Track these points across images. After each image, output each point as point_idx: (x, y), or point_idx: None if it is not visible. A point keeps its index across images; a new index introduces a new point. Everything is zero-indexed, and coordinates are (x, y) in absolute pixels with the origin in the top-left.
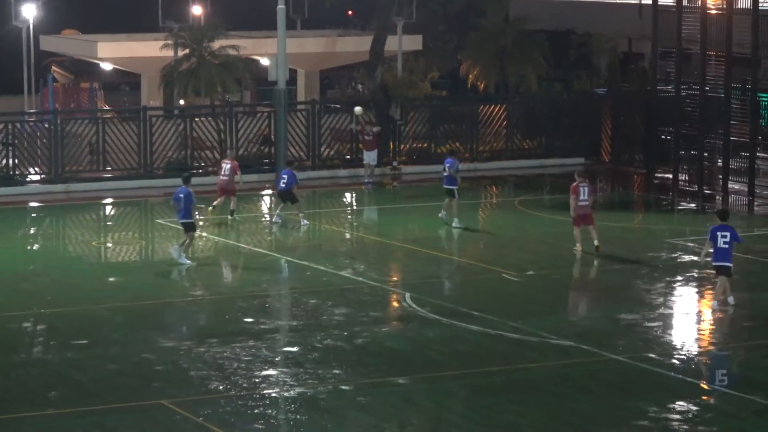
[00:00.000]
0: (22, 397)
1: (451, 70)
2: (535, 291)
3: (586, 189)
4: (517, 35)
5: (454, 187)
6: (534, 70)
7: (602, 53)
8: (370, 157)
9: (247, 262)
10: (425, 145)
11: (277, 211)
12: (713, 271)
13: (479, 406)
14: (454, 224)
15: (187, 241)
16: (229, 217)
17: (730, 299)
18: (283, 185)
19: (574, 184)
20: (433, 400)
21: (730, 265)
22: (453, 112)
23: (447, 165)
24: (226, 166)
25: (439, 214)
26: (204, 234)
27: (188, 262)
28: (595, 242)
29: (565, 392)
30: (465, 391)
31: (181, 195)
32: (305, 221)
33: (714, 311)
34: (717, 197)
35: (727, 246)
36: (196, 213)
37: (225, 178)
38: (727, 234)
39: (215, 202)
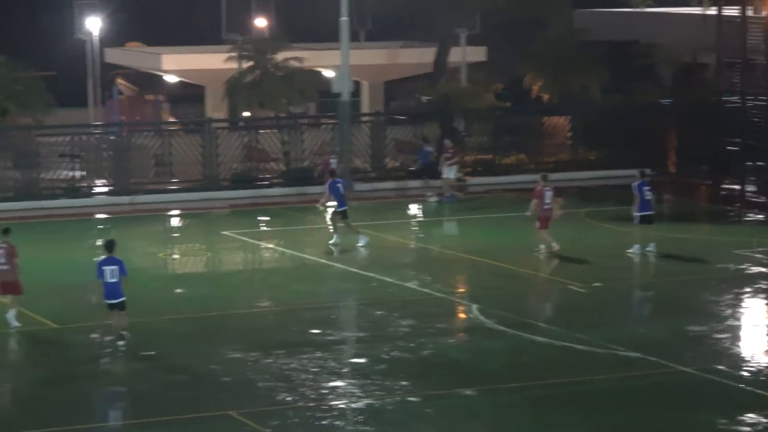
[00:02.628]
0: (89, 409)
1: (514, 81)
2: (601, 302)
3: (549, 193)
4: (580, 46)
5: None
6: (597, 81)
7: (666, 64)
8: (448, 171)
9: (312, 273)
10: (489, 156)
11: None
12: None
13: (542, 418)
14: (650, 248)
15: (346, 225)
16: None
17: None
18: (424, 162)
19: (538, 188)
20: (497, 411)
21: None
22: (516, 123)
23: (647, 189)
24: (333, 160)
25: (647, 248)
26: (270, 245)
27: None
28: (542, 246)
29: (631, 404)
30: (529, 403)
31: (339, 185)
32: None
33: None
34: None
35: None
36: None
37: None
38: None
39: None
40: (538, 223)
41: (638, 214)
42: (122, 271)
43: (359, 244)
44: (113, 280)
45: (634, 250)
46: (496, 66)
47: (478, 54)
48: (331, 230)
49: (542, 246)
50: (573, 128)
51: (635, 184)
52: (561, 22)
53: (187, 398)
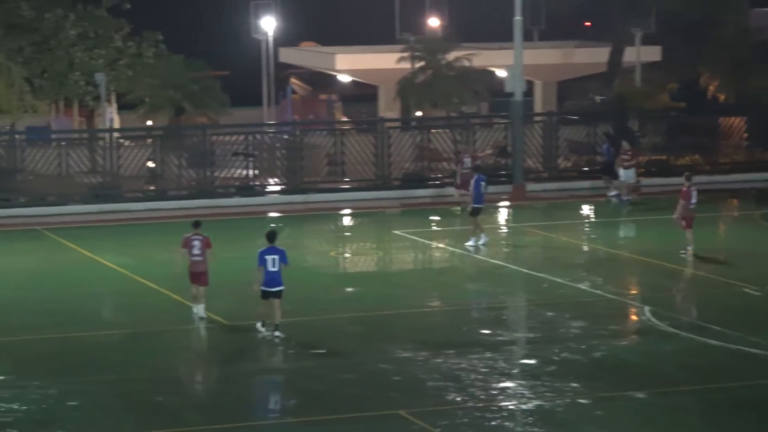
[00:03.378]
0: (259, 406)
1: (689, 81)
2: None
3: (695, 193)
4: (757, 46)
5: None
6: None
7: None
8: (627, 174)
9: (483, 273)
10: (664, 157)
11: (610, 188)
12: None
13: (716, 423)
14: None
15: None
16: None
17: None
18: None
19: (685, 188)
20: (669, 415)
21: None
22: (691, 123)
23: None
24: (467, 160)
25: None
26: (441, 245)
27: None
28: (689, 248)
29: None
30: (701, 406)
31: (483, 182)
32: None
33: None
34: None
35: None
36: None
37: (467, 171)
38: None
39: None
40: (683, 223)
41: None
42: (283, 259)
43: (468, 243)
44: (274, 269)
45: None
46: (670, 66)
47: (652, 53)
48: (477, 230)
49: (689, 248)
50: (749, 129)
51: None
52: (737, 22)
53: (356, 397)
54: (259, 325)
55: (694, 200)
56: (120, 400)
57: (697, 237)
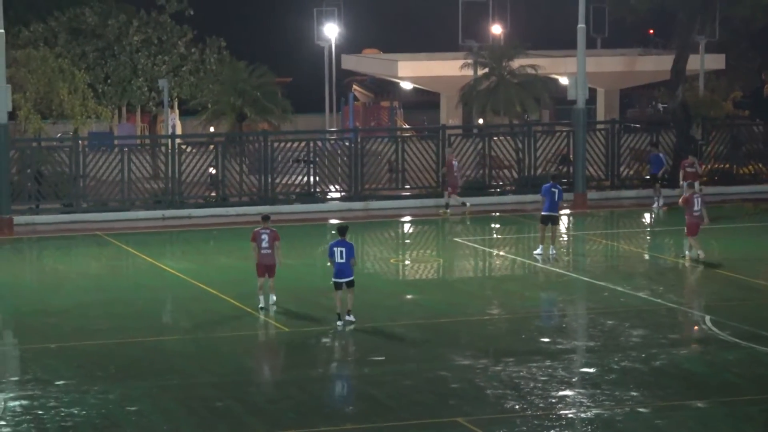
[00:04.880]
0: (320, 412)
1: (754, 89)
2: None
3: (698, 200)
4: None
5: None
6: None
7: None
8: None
9: (544, 281)
10: (727, 165)
11: (657, 197)
12: None
13: None
14: None
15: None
16: (445, 210)
17: None
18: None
19: (686, 195)
20: (732, 424)
21: None
22: (756, 132)
23: None
24: (455, 163)
25: None
26: (501, 253)
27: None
28: (688, 253)
29: None
30: (765, 416)
31: (555, 189)
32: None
33: None
34: None
35: None
36: None
37: (457, 174)
38: None
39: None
40: (685, 229)
41: None
42: (350, 253)
43: (536, 252)
44: (342, 261)
45: None
46: (734, 74)
47: (716, 62)
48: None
49: (687, 253)
50: None
51: None
52: None
53: (416, 404)
54: (339, 324)
55: (696, 207)
56: (180, 405)
57: (760, 246)
